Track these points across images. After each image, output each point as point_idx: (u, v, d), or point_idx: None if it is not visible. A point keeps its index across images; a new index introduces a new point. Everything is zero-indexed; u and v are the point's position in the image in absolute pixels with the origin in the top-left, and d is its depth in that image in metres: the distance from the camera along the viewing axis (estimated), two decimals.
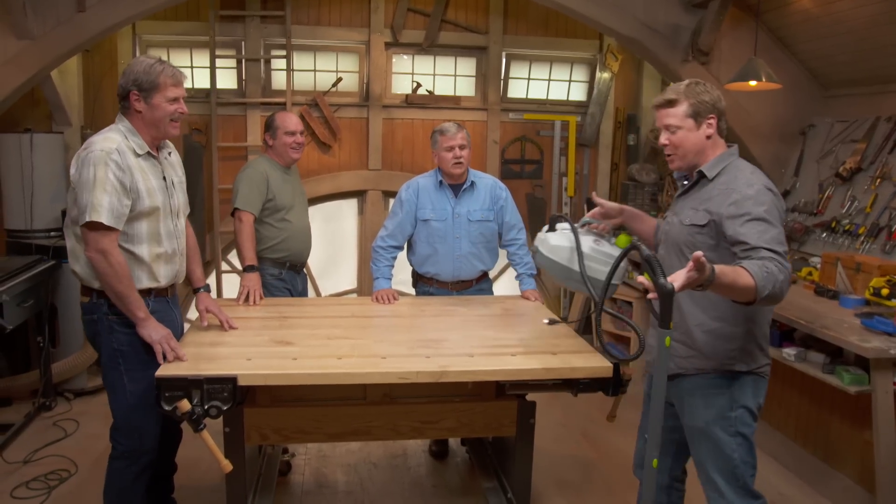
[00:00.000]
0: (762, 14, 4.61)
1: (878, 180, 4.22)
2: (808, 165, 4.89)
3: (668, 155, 2.40)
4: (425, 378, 2.56)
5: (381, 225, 3.81)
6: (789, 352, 3.53)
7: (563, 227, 2.62)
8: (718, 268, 1.93)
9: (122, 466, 2.76)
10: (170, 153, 2.87)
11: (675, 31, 4.88)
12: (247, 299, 3.49)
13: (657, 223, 2.66)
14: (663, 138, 2.38)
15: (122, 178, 2.55)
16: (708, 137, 2.33)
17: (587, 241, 2.55)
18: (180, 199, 2.86)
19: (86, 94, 5.28)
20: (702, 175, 2.34)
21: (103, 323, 2.68)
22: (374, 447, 4.05)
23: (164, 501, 3.15)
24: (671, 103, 2.33)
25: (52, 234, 4.74)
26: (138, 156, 2.64)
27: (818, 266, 4.24)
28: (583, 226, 2.63)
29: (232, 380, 2.50)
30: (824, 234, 4.50)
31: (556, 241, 2.58)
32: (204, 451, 2.45)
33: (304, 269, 4.08)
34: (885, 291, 3.52)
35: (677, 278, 1.87)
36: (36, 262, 4.30)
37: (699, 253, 1.86)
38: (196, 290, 3.09)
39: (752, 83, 4.33)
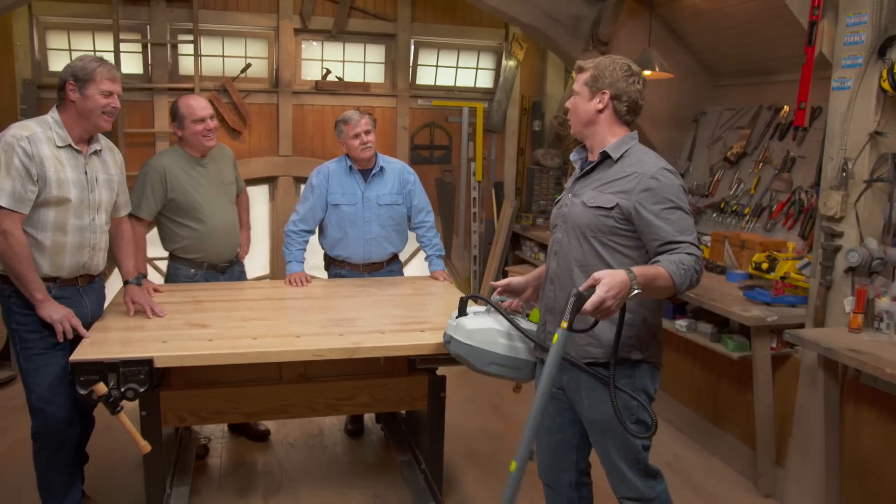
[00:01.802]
0: (656, 7, 4.88)
1: (761, 164, 4.55)
2: (700, 150, 5.21)
3: (564, 121, 2.46)
4: (339, 354, 2.66)
5: (292, 210, 3.85)
6: (681, 323, 3.80)
7: (473, 309, 2.48)
8: (640, 275, 1.97)
9: (36, 448, 2.82)
10: (100, 150, 2.89)
11: (577, 21, 5.09)
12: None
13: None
14: (569, 101, 2.40)
15: (27, 164, 2.59)
16: (599, 112, 2.29)
17: (503, 321, 2.43)
18: (104, 195, 2.88)
19: None
20: (605, 156, 2.30)
21: (5, 304, 2.76)
22: (291, 428, 4.12)
23: None
24: (581, 69, 2.35)
25: None
26: (58, 147, 2.69)
27: (709, 244, 4.55)
28: (492, 306, 2.48)
29: (148, 362, 2.54)
30: (714, 215, 4.82)
31: (473, 324, 2.41)
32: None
33: (239, 263, 3.85)
34: (765, 265, 3.83)
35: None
36: None
37: (598, 275, 1.93)
38: (125, 283, 3.13)
39: (647, 72, 4.58)
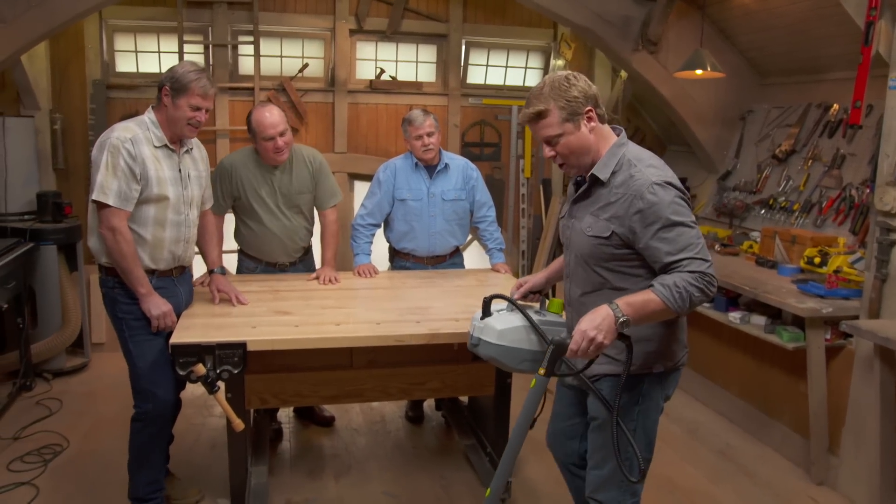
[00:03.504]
0: (706, 7, 4.97)
1: (810, 161, 4.63)
2: (748, 148, 5.29)
3: (562, 165, 2.24)
4: (419, 340, 2.81)
5: (348, 205, 3.99)
6: (735, 315, 3.91)
7: (495, 307, 2.40)
8: (624, 305, 1.98)
9: (139, 427, 2.99)
10: (191, 149, 3.06)
11: (626, 21, 5.19)
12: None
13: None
14: (548, 152, 2.20)
15: (132, 165, 2.78)
16: (591, 132, 2.16)
17: (531, 316, 2.36)
18: (195, 191, 3.07)
19: (53, 79, 5.31)
20: (595, 179, 2.18)
21: (109, 295, 2.94)
22: (354, 415, 4.30)
23: None
24: (541, 115, 2.14)
25: (26, 217, 4.81)
26: (156, 147, 2.87)
27: (758, 239, 4.65)
28: (512, 304, 2.43)
29: (242, 345, 2.71)
30: (763, 211, 4.90)
31: (502, 324, 2.32)
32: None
33: (305, 261, 3.90)
34: (817, 260, 3.93)
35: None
36: (14, 245, 4.37)
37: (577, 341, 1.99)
38: (210, 272, 3.30)
39: (699, 72, 4.69)
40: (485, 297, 2.41)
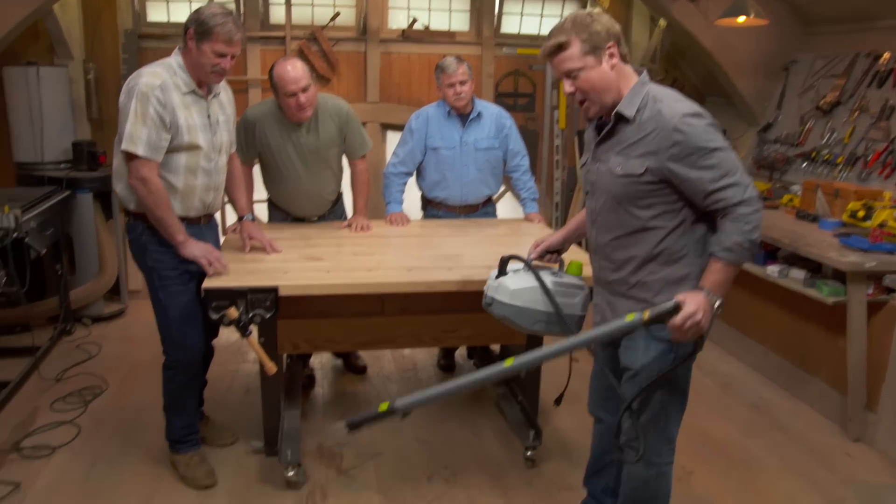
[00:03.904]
0: None
1: (857, 113, 4.48)
2: (790, 99, 5.13)
3: (581, 102, 2.16)
4: (451, 287, 2.80)
5: (380, 155, 3.96)
6: (773, 269, 3.83)
7: (513, 267, 2.38)
8: (710, 286, 2.02)
9: (170, 375, 3.01)
10: (219, 93, 2.96)
11: None
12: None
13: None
14: (567, 87, 2.13)
15: (162, 114, 2.67)
16: (612, 68, 2.09)
17: (547, 277, 2.33)
18: (224, 137, 2.97)
19: (85, 28, 5.31)
20: (620, 117, 2.12)
21: (138, 243, 2.87)
22: (386, 363, 4.33)
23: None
24: (562, 47, 2.08)
25: (63, 165, 4.86)
26: (184, 93, 2.76)
27: (798, 193, 4.53)
28: (527, 266, 2.40)
29: (273, 290, 2.72)
30: (804, 164, 4.77)
31: (516, 284, 2.30)
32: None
33: (335, 212, 3.86)
34: (861, 214, 3.81)
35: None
36: (51, 193, 4.43)
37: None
38: (240, 219, 3.25)
39: (741, 19, 4.54)
40: (502, 257, 2.37)
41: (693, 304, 1.98)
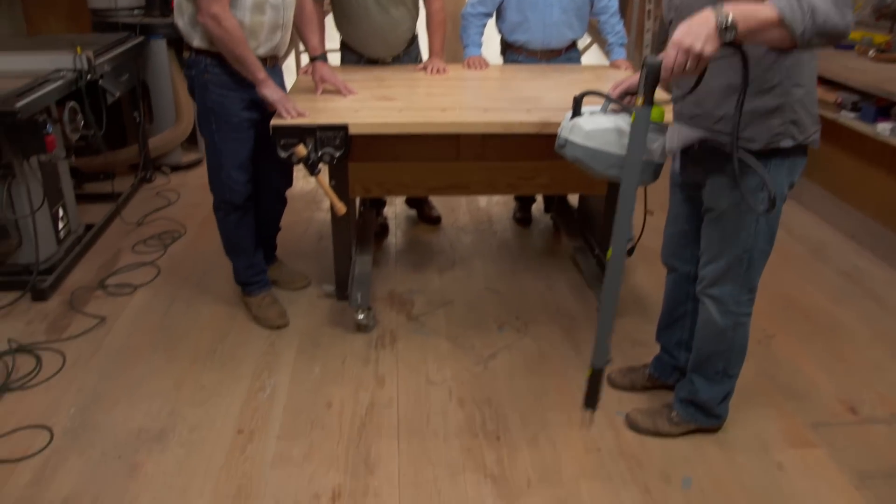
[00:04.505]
0: None
1: None
2: None
3: None
4: (529, 129, 2.63)
5: None
6: (884, 126, 3.49)
7: (588, 109, 2.23)
8: (733, 11, 1.63)
9: (221, 216, 2.99)
10: None
11: None
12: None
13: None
14: None
15: None
16: None
17: (624, 120, 2.16)
18: None
19: None
20: None
21: (199, 80, 2.75)
22: (461, 214, 4.26)
23: (269, 258, 3.39)
24: None
25: (136, 11, 4.78)
26: None
27: None
28: (610, 100, 2.22)
29: (343, 128, 2.62)
30: None
31: (591, 125, 2.16)
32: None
33: (410, 54, 3.67)
34: None
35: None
36: (125, 39, 4.37)
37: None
38: (313, 59, 3.10)
39: None
40: (575, 96, 2.19)
41: (681, 31, 1.67)
